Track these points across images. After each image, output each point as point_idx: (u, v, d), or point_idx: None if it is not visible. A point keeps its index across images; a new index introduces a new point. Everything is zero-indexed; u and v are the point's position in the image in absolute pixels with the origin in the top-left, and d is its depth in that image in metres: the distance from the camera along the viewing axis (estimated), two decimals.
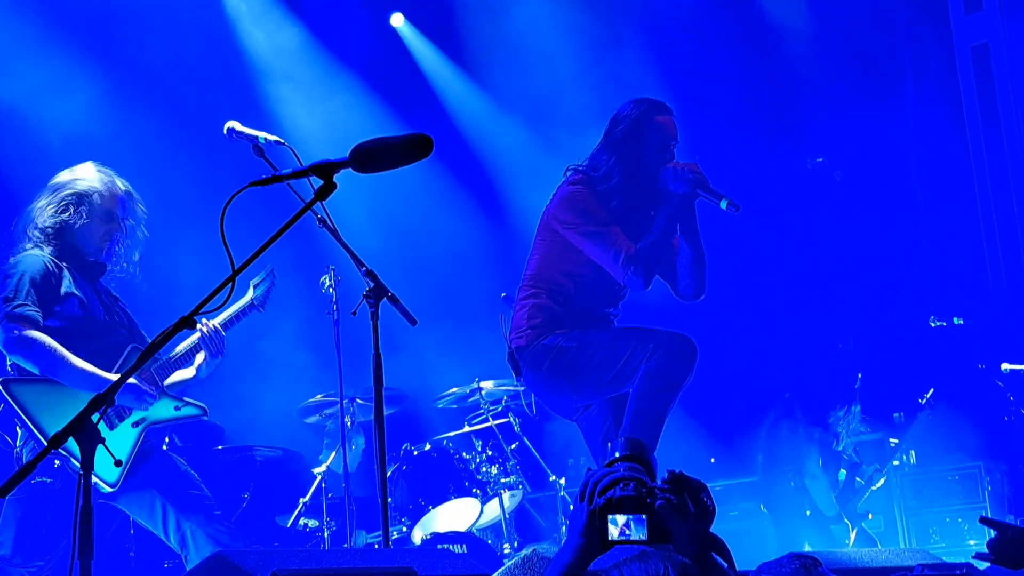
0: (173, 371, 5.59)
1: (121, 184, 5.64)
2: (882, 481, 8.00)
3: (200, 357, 5.60)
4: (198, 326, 5.50)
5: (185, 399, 5.61)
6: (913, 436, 7.98)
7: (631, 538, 2.68)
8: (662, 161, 5.38)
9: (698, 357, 5.06)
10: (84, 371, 5.25)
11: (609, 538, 2.64)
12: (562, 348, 5.27)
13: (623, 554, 2.55)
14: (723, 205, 5.18)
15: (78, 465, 5.16)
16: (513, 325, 5.49)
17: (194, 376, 5.66)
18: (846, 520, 7.91)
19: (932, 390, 7.99)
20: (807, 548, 7.68)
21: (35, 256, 5.40)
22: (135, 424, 5.44)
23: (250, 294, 5.78)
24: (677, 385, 5.04)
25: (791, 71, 9.82)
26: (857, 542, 7.86)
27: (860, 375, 8.13)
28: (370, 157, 3.00)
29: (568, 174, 5.52)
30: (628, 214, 5.37)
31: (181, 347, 5.59)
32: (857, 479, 8.04)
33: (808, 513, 8.02)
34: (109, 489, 5.25)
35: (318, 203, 3.17)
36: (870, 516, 7.95)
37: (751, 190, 9.25)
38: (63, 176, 5.59)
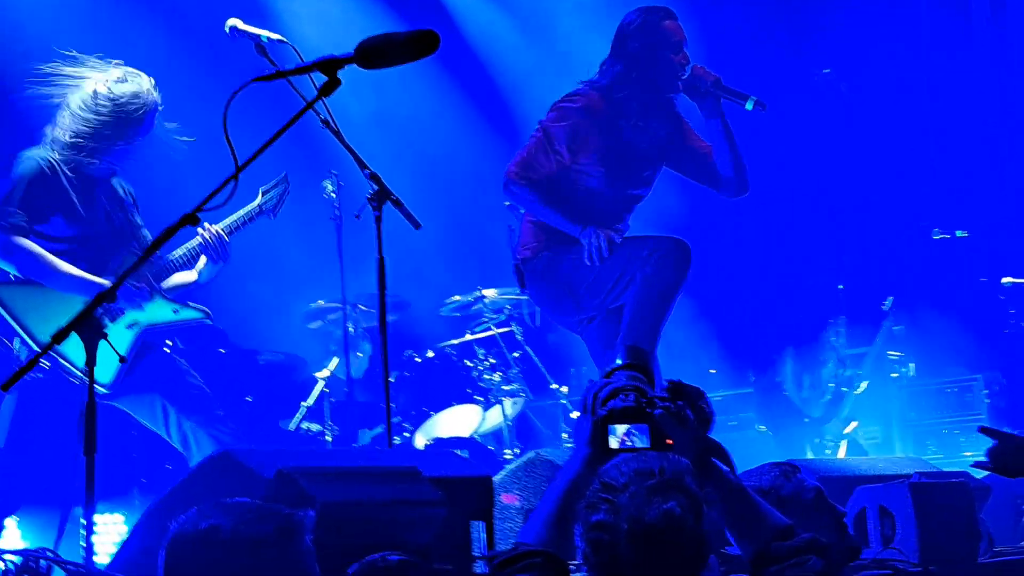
0: (171, 274, 5.56)
1: (156, 96, 5.53)
2: (864, 386, 8.01)
3: (202, 261, 5.58)
4: (199, 230, 5.47)
5: (188, 303, 5.60)
6: (881, 345, 8.02)
7: (634, 447, 2.73)
8: (676, 65, 5.37)
9: (692, 260, 5.09)
10: (71, 275, 5.23)
11: (610, 447, 2.69)
12: (564, 260, 5.31)
13: (629, 463, 2.59)
14: (749, 105, 5.24)
15: (70, 367, 5.21)
16: (519, 238, 5.53)
17: (195, 280, 5.64)
18: (834, 426, 7.95)
19: (891, 298, 8.02)
20: (809, 455, 7.74)
21: (36, 159, 5.35)
22: (129, 326, 5.42)
23: (259, 200, 5.72)
24: (673, 289, 5.07)
25: None
26: (849, 453, 7.91)
27: (842, 286, 8.16)
28: (375, 53, 2.97)
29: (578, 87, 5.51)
30: (624, 123, 5.36)
31: (180, 250, 5.55)
32: (840, 386, 8.08)
33: (807, 420, 8.08)
34: (103, 390, 5.25)
35: (321, 103, 3.14)
36: (853, 424, 7.97)
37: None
38: (102, 79, 5.41)
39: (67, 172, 5.35)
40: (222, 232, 5.53)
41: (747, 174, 5.54)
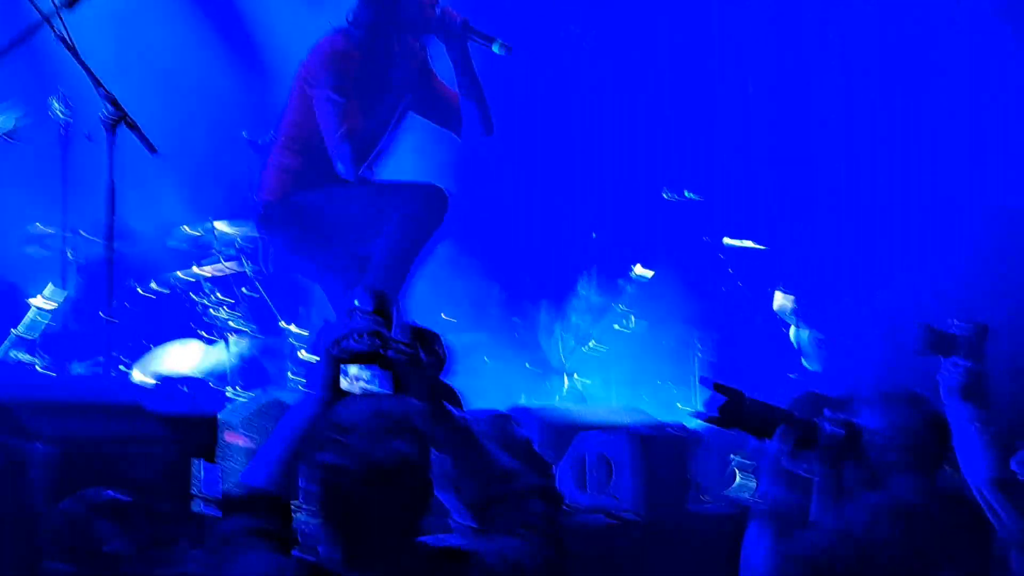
0: None
1: None
2: (592, 343, 8.30)
3: None
4: None
5: None
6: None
7: (368, 389, 2.73)
8: (424, 6, 5.32)
9: (448, 207, 5.09)
10: None
11: (342, 388, 2.68)
12: (311, 204, 5.20)
13: (360, 404, 2.59)
14: (496, 48, 5.25)
15: None
16: (262, 180, 5.37)
17: None
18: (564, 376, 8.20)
19: (594, 234, 8.36)
20: (522, 401, 7.96)
21: None
22: None
23: None
24: (425, 236, 5.06)
25: None
26: (567, 398, 8.15)
27: (595, 234, 8.41)
28: None
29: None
30: (372, 69, 5.30)
31: None
32: (570, 337, 8.35)
33: (527, 366, 8.27)
34: None
35: (58, 16, 2.98)
36: (576, 376, 8.23)
37: None
38: None
39: None
40: None
41: (491, 116, 5.58)
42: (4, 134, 5.39)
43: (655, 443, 4.42)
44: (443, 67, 5.70)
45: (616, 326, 8.36)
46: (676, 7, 9.53)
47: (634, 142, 9.37)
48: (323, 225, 5.18)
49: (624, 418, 4.89)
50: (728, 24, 9.44)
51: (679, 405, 7.72)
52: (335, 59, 5.23)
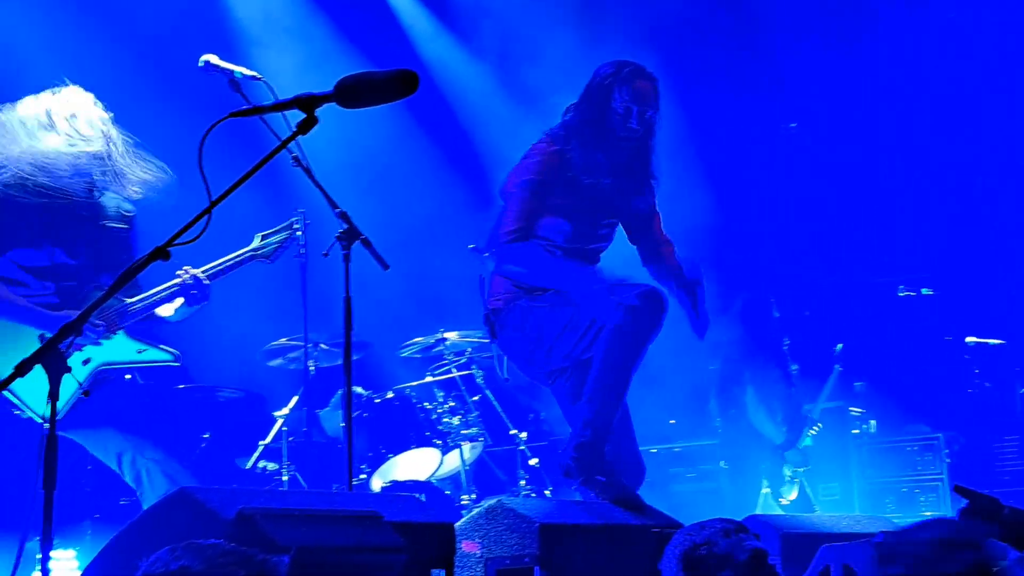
0: (141, 314, 5.43)
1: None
2: (818, 427, 8.03)
3: (178, 301, 5.44)
4: (180, 273, 5.36)
5: (159, 345, 5.45)
6: (830, 393, 8.06)
7: None
8: (623, 126, 5.29)
9: (667, 310, 4.99)
10: (23, 308, 5.13)
11: None
12: (535, 309, 5.21)
13: None
14: None
15: (14, 399, 5.09)
16: (490, 288, 5.43)
17: (168, 316, 5.50)
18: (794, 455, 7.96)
19: (841, 344, 8.06)
20: (764, 493, 7.73)
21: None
22: (84, 362, 5.30)
23: (254, 244, 5.55)
24: (643, 341, 4.97)
25: (769, 29, 9.79)
26: (796, 503, 7.89)
27: (787, 340, 8.19)
28: (355, 91, 2.95)
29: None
30: (586, 181, 5.30)
31: (156, 290, 5.43)
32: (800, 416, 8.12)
33: (766, 464, 8.05)
34: (42, 421, 5.11)
35: (294, 141, 3.12)
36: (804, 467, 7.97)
37: (724, 152, 9.23)
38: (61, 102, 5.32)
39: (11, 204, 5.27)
40: (199, 275, 5.40)
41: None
42: (261, 256, 5.63)
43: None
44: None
45: (855, 431, 8.07)
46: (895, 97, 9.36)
47: (866, 239, 9.17)
48: (546, 330, 5.18)
49: (869, 527, 4.65)
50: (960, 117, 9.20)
51: (925, 513, 7.36)
52: (550, 156, 5.24)
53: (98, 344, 5.29)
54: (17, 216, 5.24)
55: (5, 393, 5.06)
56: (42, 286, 5.30)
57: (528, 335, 5.24)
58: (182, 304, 5.40)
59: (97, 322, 5.26)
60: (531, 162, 5.27)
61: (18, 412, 5.14)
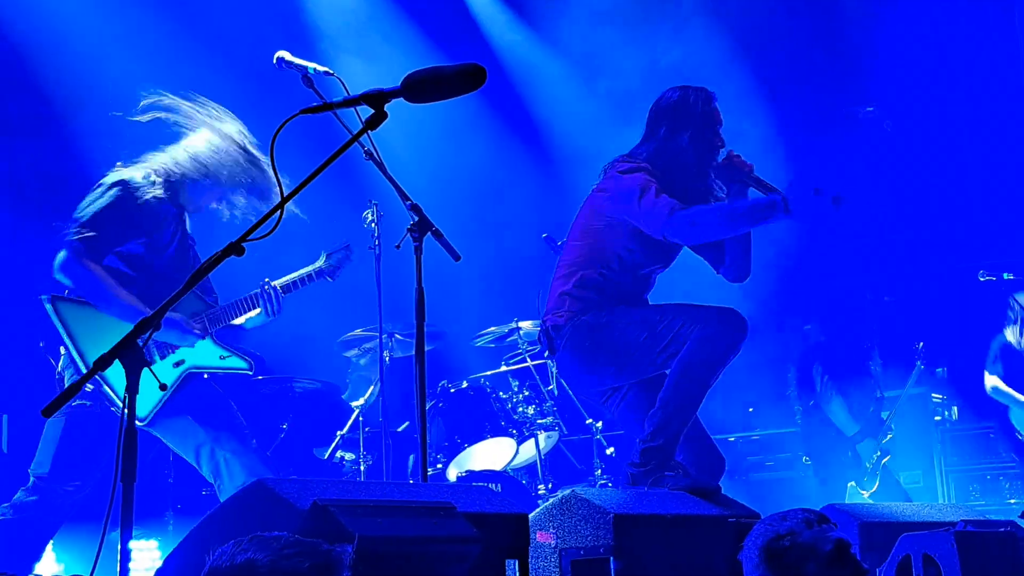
0: (228, 319, 5.57)
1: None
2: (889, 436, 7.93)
3: (255, 311, 5.61)
4: (263, 284, 5.56)
5: (237, 352, 5.58)
6: (913, 388, 7.93)
7: None
8: (707, 151, 5.24)
9: (747, 333, 4.90)
10: (124, 303, 5.24)
11: None
12: (607, 324, 5.10)
13: None
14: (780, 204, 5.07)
15: (111, 394, 5.21)
16: (549, 304, 5.34)
17: (241, 324, 5.66)
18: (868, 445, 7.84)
19: (922, 343, 7.93)
20: (851, 486, 7.62)
21: (129, 180, 5.38)
22: (176, 364, 5.43)
23: (320, 262, 5.81)
24: (721, 362, 4.90)
25: (843, 19, 9.65)
26: (880, 491, 7.79)
27: (921, 344, 8.06)
28: (422, 86, 2.96)
29: (616, 165, 5.32)
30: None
31: (242, 298, 5.60)
32: (879, 408, 8.00)
33: (850, 455, 7.95)
34: (139, 423, 5.22)
35: (365, 135, 3.14)
36: (885, 457, 7.86)
37: (800, 142, 9.12)
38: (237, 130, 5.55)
39: (157, 201, 5.39)
40: (279, 288, 5.61)
41: (751, 263, 5.40)
42: (327, 273, 5.82)
43: (985, 543, 4.11)
44: None
45: (936, 417, 7.94)
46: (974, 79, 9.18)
47: (947, 223, 9.02)
48: (623, 342, 5.09)
49: (950, 515, 4.57)
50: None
51: (1011, 501, 7.23)
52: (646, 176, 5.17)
53: (191, 347, 5.43)
54: (145, 213, 5.40)
55: (105, 390, 5.19)
56: (154, 279, 5.43)
57: (597, 349, 5.13)
58: (257, 314, 5.57)
59: (195, 325, 5.40)
60: (639, 176, 5.19)
61: (115, 410, 5.25)
